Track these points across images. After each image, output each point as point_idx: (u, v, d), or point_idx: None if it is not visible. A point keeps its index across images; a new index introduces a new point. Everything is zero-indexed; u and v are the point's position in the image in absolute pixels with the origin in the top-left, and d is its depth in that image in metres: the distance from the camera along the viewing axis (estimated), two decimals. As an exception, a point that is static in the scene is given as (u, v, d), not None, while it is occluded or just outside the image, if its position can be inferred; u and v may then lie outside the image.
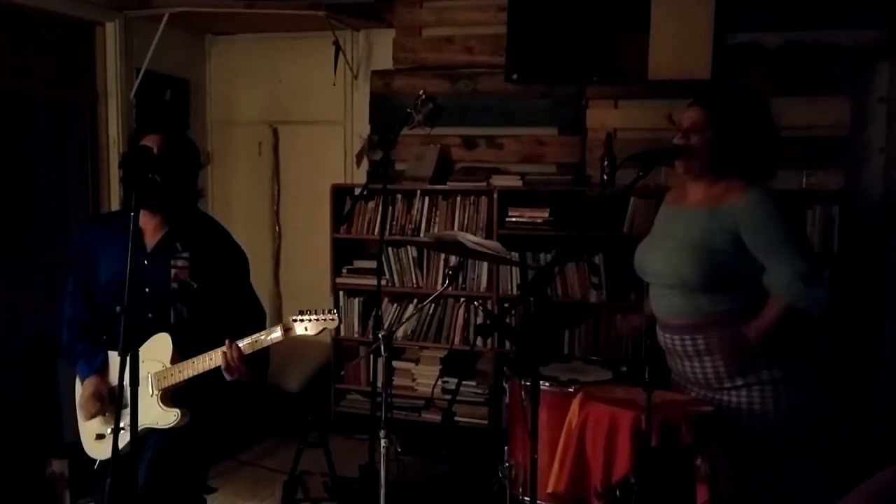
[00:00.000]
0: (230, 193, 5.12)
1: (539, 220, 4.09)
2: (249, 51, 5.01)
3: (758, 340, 2.26)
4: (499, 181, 4.28)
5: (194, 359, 2.30)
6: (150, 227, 2.38)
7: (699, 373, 2.38)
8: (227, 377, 2.29)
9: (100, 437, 2.42)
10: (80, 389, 2.43)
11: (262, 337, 2.29)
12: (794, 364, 2.32)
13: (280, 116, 4.99)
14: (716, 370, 2.34)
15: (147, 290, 2.33)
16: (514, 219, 4.15)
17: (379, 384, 2.96)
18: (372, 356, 3.78)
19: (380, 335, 2.83)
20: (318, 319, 2.29)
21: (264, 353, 2.36)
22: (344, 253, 4.58)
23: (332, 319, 2.31)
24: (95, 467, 2.43)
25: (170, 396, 2.34)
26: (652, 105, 4.13)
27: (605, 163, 4.07)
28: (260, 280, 5.02)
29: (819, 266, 2.28)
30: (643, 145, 3.71)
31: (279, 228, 5.05)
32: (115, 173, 4.29)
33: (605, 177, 4.07)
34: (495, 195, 4.16)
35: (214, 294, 2.38)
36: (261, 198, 5.06)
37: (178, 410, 2.32)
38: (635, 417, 2.17)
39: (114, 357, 2.37)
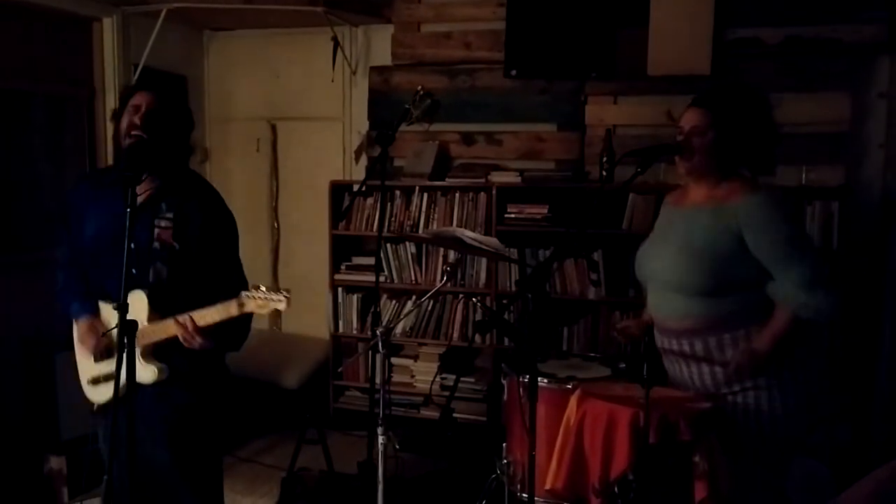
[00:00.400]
0: (229, 190, 5.05)
1: (538, 217, 4.08)
2: (247, 46, 5.00)
3: (768, 352, 2.25)
4: (497, 178, 4.27)
5: (166, 321, 2.24)
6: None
7: (696, 378, 2.38)
8: (185, 345, 2.23)
9: (94, 381, 2.42)
10: (76, 327, 2.45)
11: (218, 311, 2.20)
12: (792, 369, 2.31)
13: (278, 113, 4.98)
14: (713, 377, 2.34)
15: (132, 245, 2.21)
16: (512, 215, 4.14)
17: (377, 381, 2.95)
18: (370, 353, 3.77)
19: (378, 332, 2.83)
20: (267, 298, 2.18)
21: (237, 323, 2.27)
22: (342, 249, 4.58)
23: (281, 301, 2.19)
24: (94, 410, 2.44)
25: (151, 352, 2.29)
26: (651, 101, 4.12)
27: (604, 159, 4.06)
28: (259, 276, 5.01)
29: (822, 267, 2.27)
30: (642, 141, 3.71)
31: (278, 225, 5.04)
32: (112, 168, 4.29)
33: (604, 173, 4.06)
34: (494, 192, 4.15)
35: (197, 257, 2.32)
36: (259, 194, 5.05)
37: (155, 367, 2.29)
38: (634, 414, 2.16)
39: (104, 305, 2.39)
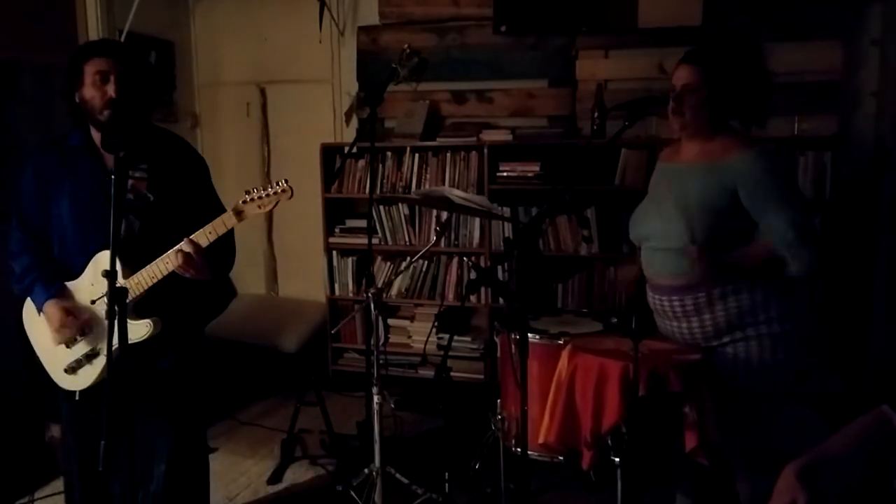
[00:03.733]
0: (220, 155, 5.06)
1: (530, 174, 4.06)
2: (233, 9, 4.92)
3: (727, 261, 2.25)
4: (489, 136, 4.24)
5: (148, 267, 2.24)
6: None
7: (686, 333, 2.39)
8: (186, 275, 2.22)
9: (73, 368, 2.37)
10: (43, 316, 2.37)
11: (215, 226, 2.20)
12: (781, 321, 2.32)
13: (267, 76, 4.93)
14: (703, 329, 2.35)
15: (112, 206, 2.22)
16: (504, 173, 4.12)
17: (372, 341, 2.98)
18: (366, 314, 3.79)
19: (370, 293, 2.84)
20: (269, 195, 2.16)
21: (225, 247, 2.32)
22: (336, 212, 4.57)
23: (285, 191, 2.16)
24: (76, 398, 2.39)
25: (133, 310, 2.25)
26: (642, 54, 4.08)
27: (596, 114, 4.03)
28: (253, 242, 5.04)
29: (810, 224, 2.28)
30: (634, 95, 3.67)
31: (271, 190, 5.02)
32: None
33: (595, 128, 4.03)
34: (485, 150, 4.13)
35: (173, 206, 2.33)
36: (251, 159, 5.03)
37: (148, 321, 2.28)
38: (624, 367, 2.19)
39: (72, 285, 2.36)
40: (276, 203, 2.16)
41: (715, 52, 2.36)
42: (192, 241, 2.19)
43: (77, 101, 2.29)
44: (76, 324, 2.33)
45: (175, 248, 2.20)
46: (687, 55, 2.38)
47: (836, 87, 3.85)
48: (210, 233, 2.19)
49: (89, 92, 2.26)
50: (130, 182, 2.27)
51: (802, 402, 3.55)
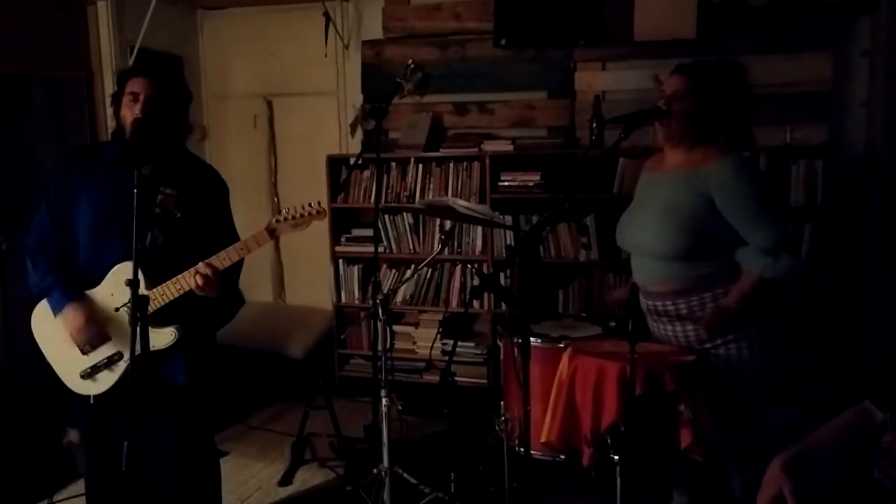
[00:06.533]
0: (228, 167, 5.16)
1: (531, 184, 4.17)
2: (241, 24, 5.05)
3: (736, 308, 2.37)
4: (490, 146, 4.36)
5: (174, 280, 2.35)
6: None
7: (681, 336, 2.50)
8: (200, 293, 2.34)
9: (90, 373, 2.44)
10: (60, 319, 2.42)
11: (248, 243, 2.32)
12: (767, 321, 2.43)
13: (274, 89, 5.05)
14: (697, 333, 2.46)
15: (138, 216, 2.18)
16: (506, 183, 4.23)
17: (379, 346, 3.08)
18: (373, 321, 3.89)
19: (377, 299, 2.95)
20: (303, 216, 2.29)
21: (236, 265, 2.43)
22: (342, 222, 4.68)
23: (320, 212, 2.30)
24: (91, 402, 2.46)
25: (152, 319, 2.27)
26: (638, 66, 4.19)
27: (594, 125, 4.14)
28: (261, 251, 5.11)
29: (786, 232, 2.39)
30: (631, 106, 3.77)
31: (277, 200, 5.12)
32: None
33: (594, 138, 4.14)
34: (487, 160, 4.24)
35: (197, 225, 2.44)
36: (258, 170, 5.14)
37: (172, 328, 2.38)
38: (621, 368, 2.28)
39: (91, 293, 2.42)
40: (310, 223, 2.31)
41: (705, 68, 2.48)
42: (218, 260, 2.32)
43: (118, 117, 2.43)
44: (95, 330, 2.41)
45: (203, 262, 2.32)
46: (678, 66, 2.50)
47: (827, 98, 3.96)
48: (241, 249, 2.33)
49: (123, 110, 2.39)
50: (160, 198, 2.39)
51: (796, 404, 3.64)
